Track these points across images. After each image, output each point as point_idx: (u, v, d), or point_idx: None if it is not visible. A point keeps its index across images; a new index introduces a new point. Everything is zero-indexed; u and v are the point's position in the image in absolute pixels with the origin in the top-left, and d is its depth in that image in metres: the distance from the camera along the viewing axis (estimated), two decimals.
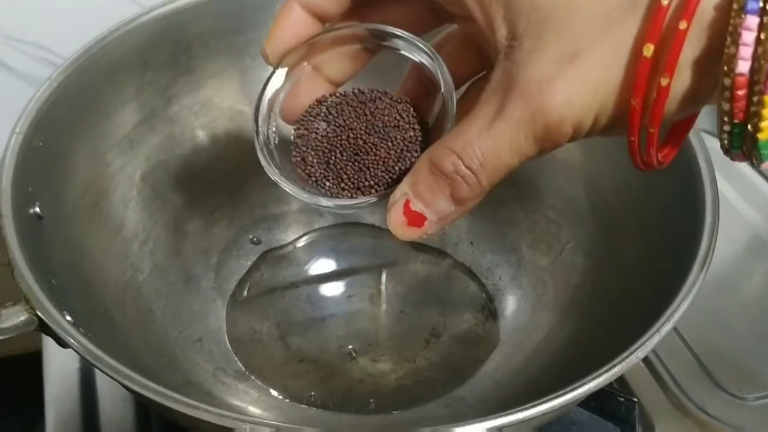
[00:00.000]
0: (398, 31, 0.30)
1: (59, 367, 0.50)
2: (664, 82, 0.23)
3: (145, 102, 0.49)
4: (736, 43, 0.22)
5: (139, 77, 0.48)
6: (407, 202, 0.28)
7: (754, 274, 0.58)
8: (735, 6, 0.22)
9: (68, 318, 0.34)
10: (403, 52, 0.31)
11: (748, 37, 0.22)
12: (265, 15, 0.51)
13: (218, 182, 0.53)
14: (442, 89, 0.30)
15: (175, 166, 0.51)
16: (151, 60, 0.48)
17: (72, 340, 0.33)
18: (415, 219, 0.28)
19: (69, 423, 0.48)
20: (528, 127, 0.25)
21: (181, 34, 0.49)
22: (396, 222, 0.28)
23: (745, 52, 0.22)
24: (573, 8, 0.24)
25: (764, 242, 0.60)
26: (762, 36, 0.21)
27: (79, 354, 0.33)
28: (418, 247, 0.55)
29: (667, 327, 0.34)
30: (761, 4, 0.21)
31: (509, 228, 0.53)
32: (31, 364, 0.52)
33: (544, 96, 0.24)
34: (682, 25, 0.23)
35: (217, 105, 0.52)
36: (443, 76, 0.30)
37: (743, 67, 0.22)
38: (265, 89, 0.32)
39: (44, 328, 0.34)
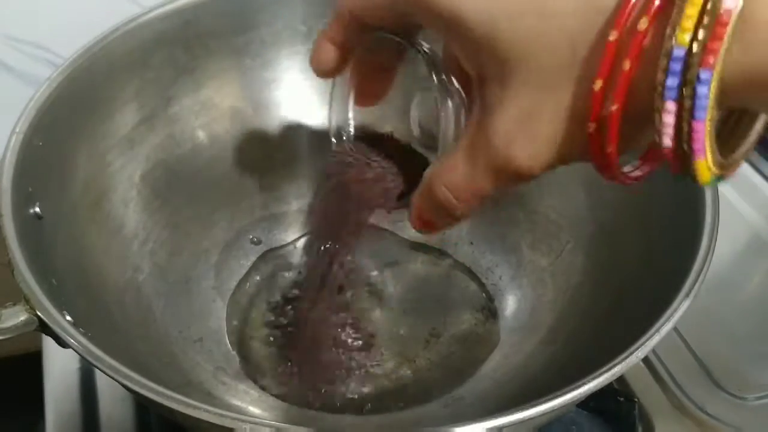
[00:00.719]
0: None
1: (59, 366, 0.50)
2: (609, 149, 0.25)
3: (145, 102, 0.49)
4: (660, 121, 0.24)
5: (139, 77, 0.48)
6: (419, 213, 0.33)
7: (754, 273, 0.58)
8: (658, 89, 0.23)
9: (68, 318, 0.34)
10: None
11: (668, 118, 0.23)
12: (265, 15, 0.51)
13: (218, 182, 0.53)
14: (441, 116, 0.33)
15: (176, 166, 0.51)
16: (151, 60, 0.49)
17: (72, 340, 0.33)
18: (428, 224, 0.33)
19: (69, 423, 0.48)
20: (501, 173, 0.28)
21: (181, 35, 0.49)
22: (414, 225, 0.34)
23: (668, 130, 0.24)
24: (526, 62, 0.25)
25: (764, 242, 0.60)
26: (683, 116, 0.23)
27: (79, 354, 0.33)
28: (418, 247, 0.55)
29: (667, 327, 0.34)
30: (677, 95, 0.23)
31: (509, 228, 0.53)
32: (31, 364, 0.52)
33: (509, 150, 0.27)
34: (614, 108, 0.24)
35: (218, 105, 0.52)
36: (442, 102, 0.33)
37: (667, 141, 0.24)
38: (332, 97, 0.38)
39: (44, 328, 0.34)
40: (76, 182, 0.44)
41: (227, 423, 0.30)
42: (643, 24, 0.23)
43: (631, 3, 0.23)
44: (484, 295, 0.52)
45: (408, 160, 0.38)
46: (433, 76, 0.32)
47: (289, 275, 0.53)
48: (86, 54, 0.45)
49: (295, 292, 0.52)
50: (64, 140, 0.44)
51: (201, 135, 0.52)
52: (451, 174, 0.30)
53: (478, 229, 0.55)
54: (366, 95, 0.38)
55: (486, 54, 0.26)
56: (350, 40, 0.34)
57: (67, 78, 0.43)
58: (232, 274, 0.53)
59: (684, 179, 0.25)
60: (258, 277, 0.53)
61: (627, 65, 0.24)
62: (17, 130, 0.40)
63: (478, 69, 0.27)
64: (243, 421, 0.30)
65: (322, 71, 0.35)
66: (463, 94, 0.33)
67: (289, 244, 0.55)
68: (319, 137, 0.56)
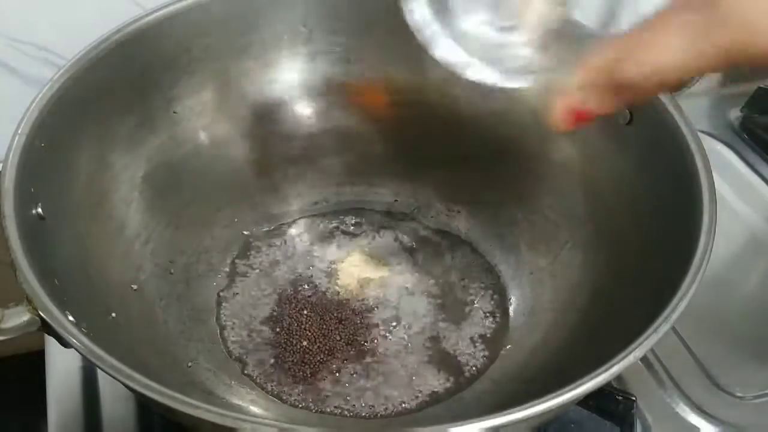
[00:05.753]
0: None
1: (61, 366, 0.50)
2: None
3: (146, 103, 0.49)
4: None
5: (140, 78, 0.48)
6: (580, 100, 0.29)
7: (751, 273, 0.59)
8: None
9: (70, 318, 0.34)
10: None
11: None
12: (266, 17, 0.52)
13: (219, 183, 0.53)
14: None
15: (177, 166, 0.51)
16: (153, 61, 0.49)
17: (74, 340, 0.33)
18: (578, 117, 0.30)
19: (71, 421, 0.48)
20: (734, 52, 0.25)
21: (182, 36, 0.49)
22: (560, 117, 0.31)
23: None
24: None
25: (761, 242, 0.60)
26: None
27: (81, 354, 0.33)
28: (417, 247, 0.55)
29: (665, 326, 0.34)
30: None
31: (508, 228, 0.54)
32: (34, 363, 0.52)
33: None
34: None
35: (219, 106, 0.53)
36: None
37: None
38: None
39: (47, 328, 0.34)
40: (78, 183, 0.44)
41: (228, 423, 0.30)
42: None
43: None
44: (483, 294, 0.52)
45: None
46: None
47: (290, 275, 0.54)
48: (88, 55, 0.45)
49: (295, 292, 0.52)
50: (67, 141, 0.44)
51: (202, 136, 0.52)
52: (654, 50, 0.25)
53: (477, 229, 0.55)
54: None
55: None
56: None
57: (70, 79, 0.43)
58: (232, 273, 0.53)
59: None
60: (259, 277, 0.53)
61: None
62: (20, 131, 0.40)
63: None
64: (244, 420, 0.31)
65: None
66: None
67: (289, 243, 0.55)
68: (318, 138, 0.56)
